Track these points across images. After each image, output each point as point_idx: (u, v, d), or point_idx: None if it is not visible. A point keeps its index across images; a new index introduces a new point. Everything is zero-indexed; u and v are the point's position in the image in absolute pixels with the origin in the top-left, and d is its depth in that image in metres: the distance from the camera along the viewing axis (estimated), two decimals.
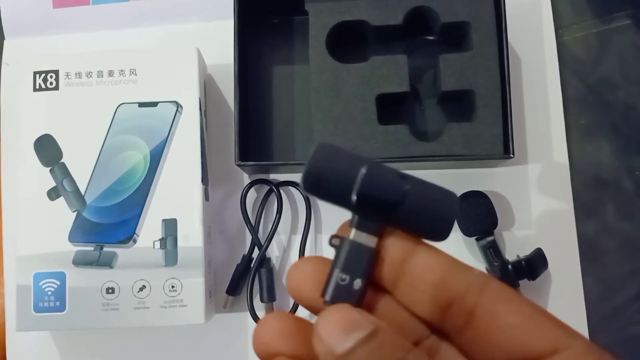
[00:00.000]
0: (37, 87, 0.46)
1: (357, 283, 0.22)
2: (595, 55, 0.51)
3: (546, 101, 0.50)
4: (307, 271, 0.23)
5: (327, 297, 0.22)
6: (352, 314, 0.20)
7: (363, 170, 0.22)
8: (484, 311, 0.20)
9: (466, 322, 0.21)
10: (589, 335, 0.48)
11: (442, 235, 0.22)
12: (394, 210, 0.22)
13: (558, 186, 0.49)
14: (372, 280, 0.22)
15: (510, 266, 0.46)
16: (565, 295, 0.48)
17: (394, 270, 0.22)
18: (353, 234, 0.23)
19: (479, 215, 0.47)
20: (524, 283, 0.46)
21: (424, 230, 0.23)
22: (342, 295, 0.22)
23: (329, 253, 0.52)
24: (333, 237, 0.24)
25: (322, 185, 0.23)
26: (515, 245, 0.49)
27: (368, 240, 0.23)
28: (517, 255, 0.47)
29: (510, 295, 0.21)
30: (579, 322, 0.48)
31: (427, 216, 0.22)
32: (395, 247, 0.22)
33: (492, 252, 0.47)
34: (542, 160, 0.49)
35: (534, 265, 0.46)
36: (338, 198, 0.23)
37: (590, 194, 0.49)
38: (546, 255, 0.46)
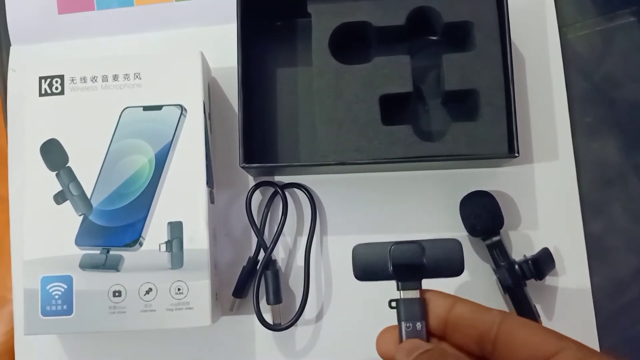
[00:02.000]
0: (43, 92, 0.47)
1: (419, 325, 0.33)
2: (600, 53, 0.51)
3: (551, 100, 0.50)
4: (388, 337, 0.33)
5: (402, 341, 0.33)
6: (416, 342, 0.31)
7: (390, 250, 0.34)
8: (505, 336, 0.30)
9: (493, 347, 0.30)
10: (598, 333, 0.47)
11: (458, 273, 0.34)
12: (420, 267, 0.34)
13: (564, 185, 0.49)
14: (428, 329, 0.33)
15: (516, 266, 0.46)
16: (573, 295, 0.48)
17: (440, 324, 0.32)
18: (402, 294, 0.34)
19: (485, 215, 0.47)
20: (531, 283, 0.46)
21: (445, 273, 0.34)
22: (412, 336, 0.33)
23: (334, 254, 0.52)
24: (391, 301, 0.35)
25: (368, 273, 0.35)
26: (522, 244, 0.48)
27: (413, 294, 0.33)
28: (524, 255, 0.47)
29: (522, 321, 0.30)
30: (587, 321, 0.47)
31: (445, 264, 0.34)
32: (438, 306, 0.32)
33: (499, 252, 0.46)
34: (548, 158, 0.49)
35: (541, 264, 0.46)
36: (382, 275, 0.34)
37: (596, 192, 0.49)
38: (553, 254, 0.46)
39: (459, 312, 0.31)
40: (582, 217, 0.49)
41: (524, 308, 0.45)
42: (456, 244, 0.35)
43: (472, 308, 0.31)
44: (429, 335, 0.33)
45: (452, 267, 0.35)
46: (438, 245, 0.35)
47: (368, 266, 0.35)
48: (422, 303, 0.33)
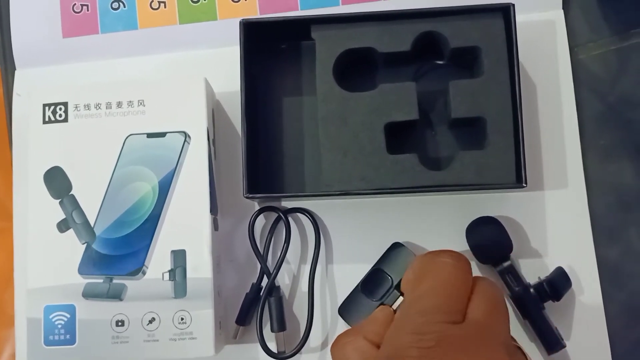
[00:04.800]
0: (47, 119, 0.46)
1: None
2: (614, 73, 0.50)
3: (561, 125, 0.48)
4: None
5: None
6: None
7: (360, 289, 0.46)
8: None
9: None
10: None
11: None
12: (388, 282, 0.46)
13: (575, 211, 0.48)
14: None
15: (532, 289, 0.45)
16: (587, 324, 0.46)
17: None
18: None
19: (491, 243, 0.46)
20: (548, 305, 0.45)
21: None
22: None
23: (340, 279, 0.50)
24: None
25: (357, 316, 0.46)
26: (532, 273, 0.47)
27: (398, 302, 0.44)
28: (538, 277, 0.46)
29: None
30: (602, 351, 0.46)
31: (397, 268, 0.46)
32: None
33: (512, 277, 0.45)
34: (558, 185, 0.48)
35: (557, 285, 0.44)
36: (370, 310, 0.44)
37: (612, 217, 0.48)
38: None
39: None
40: (594, 244, 0.47)
41: (545, 331, 0.44)
42: (402, 247, 0.46)
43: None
44: None
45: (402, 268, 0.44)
46: (386, 257, 0.46)
47: (356, 315, 0.46)
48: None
